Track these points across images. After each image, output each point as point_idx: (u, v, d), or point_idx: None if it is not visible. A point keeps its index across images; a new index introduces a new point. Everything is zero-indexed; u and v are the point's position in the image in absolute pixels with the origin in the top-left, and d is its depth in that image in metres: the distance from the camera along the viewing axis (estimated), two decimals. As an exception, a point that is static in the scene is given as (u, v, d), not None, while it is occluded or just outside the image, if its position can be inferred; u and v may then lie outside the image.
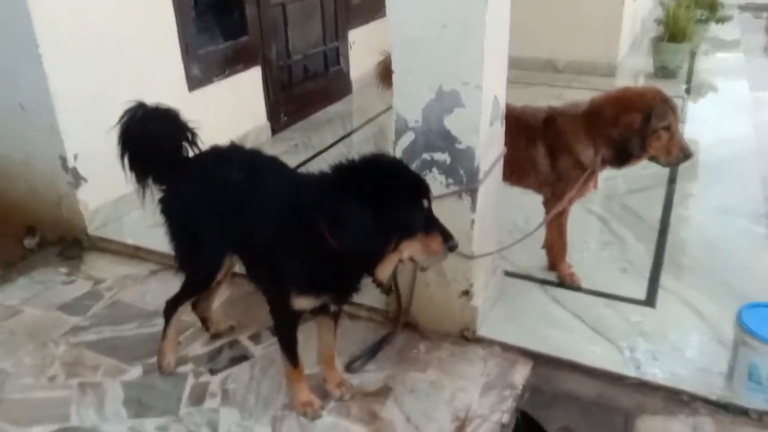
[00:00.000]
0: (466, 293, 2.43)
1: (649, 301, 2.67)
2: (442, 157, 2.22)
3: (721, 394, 2.16)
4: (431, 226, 1.71)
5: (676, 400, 2.19)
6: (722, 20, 6.55)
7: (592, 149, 2.52)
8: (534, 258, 2.93)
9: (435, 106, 2.15)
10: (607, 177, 3.63)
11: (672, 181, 3.76)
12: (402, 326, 2.54)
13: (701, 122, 4.74)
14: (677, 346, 2.39)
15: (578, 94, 5.37)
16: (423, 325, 2.55)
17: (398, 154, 2.28)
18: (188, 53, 3.72)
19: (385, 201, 1.62)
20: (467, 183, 2.23)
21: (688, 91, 5.47)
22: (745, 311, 2.11)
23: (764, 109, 5.14)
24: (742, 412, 2.12)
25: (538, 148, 2.62)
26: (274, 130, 4.64)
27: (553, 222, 2.72)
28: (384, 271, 1.77)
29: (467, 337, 2.49)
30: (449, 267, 2.41)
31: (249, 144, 4.30)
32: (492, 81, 2.16)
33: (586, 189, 2.64)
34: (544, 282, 2.81)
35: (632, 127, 2.40)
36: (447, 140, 2.19)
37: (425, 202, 1.71)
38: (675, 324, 2.51)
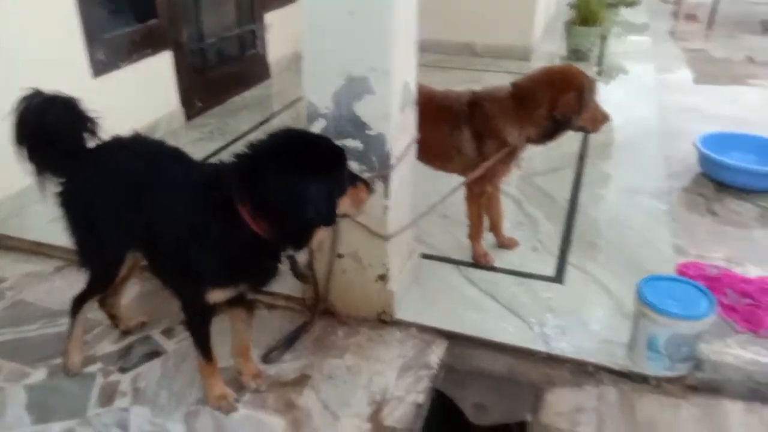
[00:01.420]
0: (383, 277, 2.45)
1: (558, 278, 2.77)
2: (354, 143, 2.22)
3: (623, 363, 2.28)
4: (353, 178, 1.82)
5: (582, 371, 2.30)
6: (631, 4, 6.81)
7: (518, 131, 2.58)
8: (451, 240, 2.99)
9: (345, 93, 2.14)
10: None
11: (581, 159, 3.91)
12: (320, 314, 2.54)
13: (611, 104, 4.84)
14: (584, 320, 2.50)
15: (496, 78, 5.50)
16: (341, 311, 2.56)
17: (309, 140, 2.26)
18: (91, 37, 3.54)
19: (324, 168, 1.66)
20: (379, 169, 2.24)
21: (599, 73, 5.68)
22: (644, 284, 2.22)
23: (668, 90, 5.40)
24: (642, 380, 2.25)
25: (464, 132, 2.66)
26: (189, 116, 4.50)
27: (473, 202, 2.78)
28: (317, 241, 1.78)
29: (385, 320, 2.52)
30: (365, 252, 2.43)
31: (161, 131, 4.18)
32: (401, 67, 2.16)
33: (507, 169, 2.71)
34: (460, 263, 2.87)
35: (572, 105, 2.49)
36: (358, 127, 2.19)
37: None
38: (582, 299, 2.62)
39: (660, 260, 2.88)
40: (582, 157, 3.94)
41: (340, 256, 2.46)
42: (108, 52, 3.67)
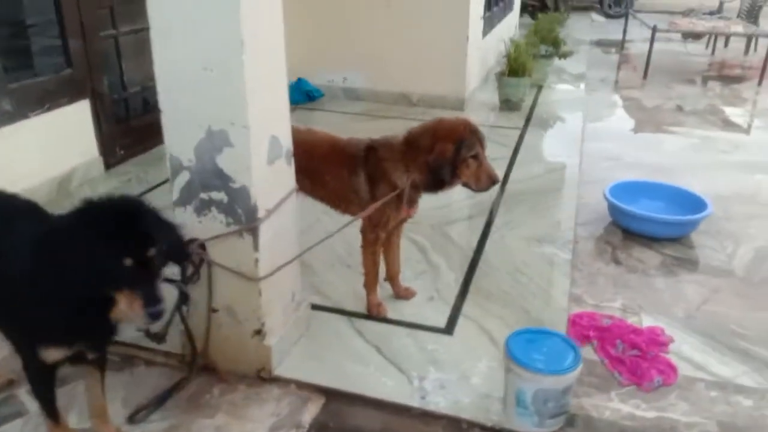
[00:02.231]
0: (259, 332, 2.40)
1: (448, 328, 2.75)
2: (219, 196, 2.20)
3: (497, 420, 2.24)
4: (137, 284, 1.60)
5: (456, 427, 2.25)
6: (564, 55, 7.03)
7: (404, 174, 2.60)
8: (350, 290, 2.96)
9: (206, 146, 2.13)
10: (435, 207, 3.76)
11: (494, 207, 3.94)
12: (199, 370, 2.46)
13: (534, 153, 5.02)
14: (465, 374, 2.46)
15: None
16: (221, 367, 2.49)
17: (176, 193, 2.25)
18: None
19: (101, 247, 1.56)
20: (246, 222, 2.22)
21: (527, 122, 5.79)
22: (512, 339, 2.21)
23: (593, 138, 5.53)
24: (514, 436, 2.21)
25: (360, 176, 2.68)
26: (109, 165, 4.45)
27: (367, 249, 2.77)
28: (118, 315, 1.68)
29: (263, 377, 2.46)
30: (239, 306, 2.38)
31: (77, 179, 4.13)
32: (264, 121, 2.17)
33: (398, 215, 2.70)
34: (353, 314, 2.83)
35: (445, 155, 2.51)
36: (221, 179, 2.17)
37: (130, 260, 1.59)
38: (468, 351, 2.60)
39: (554, 311, 2.88)
40: (495, 206, 3.97)
41: (214, 310, 2.41)
42: (15, 102, 3.63)
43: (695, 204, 3.77)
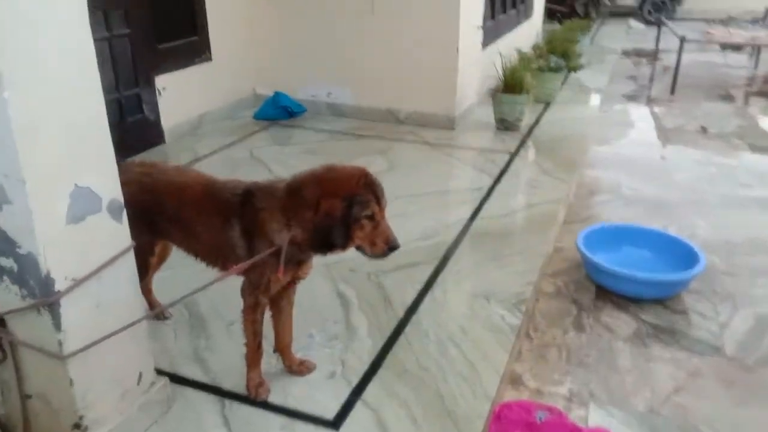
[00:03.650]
0: (78, 426, 1.93)
1: (337, 421, 2.22)
2: (8, 263, 1.75)
3: None
4: None
5: None
6: (575, 68, 6.39)
7: (284, 229, 2.11)
8: (238, 359, 2.45)
9: (-18, 202, 1.68)
10: None
11: (448, 252, 3.39)
12: (19, 462, 2.02)
13: (517, 182, 4.44)
14: (334, 490, 1.94)
15: (408, 148, 5.07)
16: (46, 461, 2.04)
17: (-39, 257, 1.80)
18: None
19: None
20: (41, 296, 1.76)
21: (521, 145, 5.19)
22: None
23: (593, 166, 4.91)
24: None
25: (234, 228, 2.20)
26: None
27: (247, 316, 2.27)
28: None
29: (90, 478, 1.99)
30: (53, 395, 1.93)
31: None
32: (58, 170, 1.71)
33: (280, 278, 2.20)
34: (228, 395, 2.34)
35: (333, 215, 2.01)
36: (7, 243, 1.72)
37: None
38: (350, 455, 2.07)
39: (478, 398, 2.33)
40: (450, 250, 3.42)
41: (28, 396, 1.96)
42: None
43: (687, 257, 3.14)
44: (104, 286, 1.91)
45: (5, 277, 1.78)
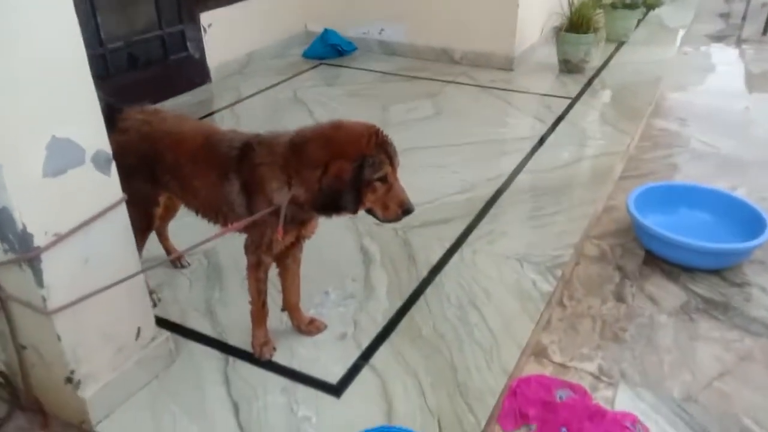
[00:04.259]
0: (70, 380, 1.91)
1: (340, 386, 2.12)
2: (-15, 216, 1.69)
3: None
4: None
5: None
6: (652, 6, 5.78)
7: (284, 188, 1.97)
8: (244, 317, 2.37)
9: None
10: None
11: (486, 207, 3.17)
12: (23, 409, 2.04)
13: (573, 132, 4.09)
14: (325, 463, 1.85)
15: (460, 91, 4.77)
16: (47, 410, 2.05)
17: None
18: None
19: None
20: (20, 250, 1.69)
21: (583, 90, 4.78)
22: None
23: (663, 115, 4.47)
24: None
25: (232, 184, 2.07)
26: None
27: (250, 275, 2.17)
28: None
29: (86, 430, 1.99)
30: (44, 347, 1.90)
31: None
32: (30, 120, 1.60)
33: (281, 236, 2.07)
34: (234, 351, 2.27)
35: (343, 178, 1.86)
36: (-17, 196, 1.65)
37: None
38: (350, 424, 1.96)
39: (497, 370, 2.16)
40: (487, 207, 3.18)
41: (23, 347, 1.94)
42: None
43: (753, 223, 2.79)
44: (92, 241, 1.83)
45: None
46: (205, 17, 4.86)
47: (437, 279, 2.65)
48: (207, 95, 4.79)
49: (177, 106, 4.55)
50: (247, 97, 4.71)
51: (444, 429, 1.95)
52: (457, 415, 1.99)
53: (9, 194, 1.60)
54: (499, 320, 2.40)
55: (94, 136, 1.80)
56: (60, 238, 1.73)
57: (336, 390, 2.10)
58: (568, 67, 5.10)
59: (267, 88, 4.89)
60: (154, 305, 2.49)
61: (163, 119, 2.24)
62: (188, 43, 4.76)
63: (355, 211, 1.95)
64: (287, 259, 2.24)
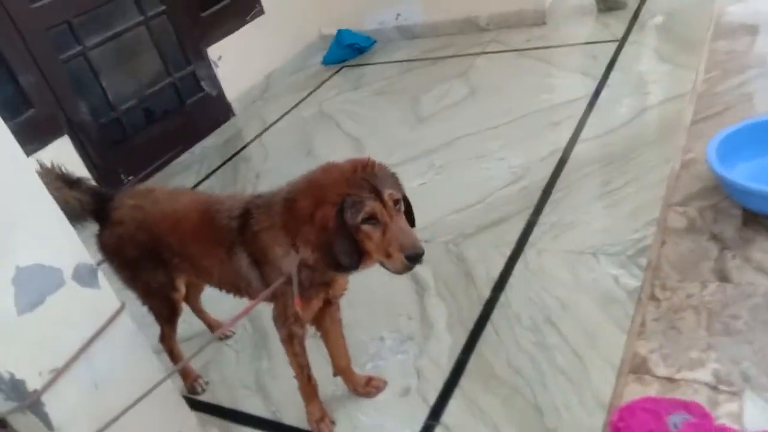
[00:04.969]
0: None
1: (410, 461, 1.84)
2: (-27, 367, 1.50)
3: None
4: None
5: None
6: None
7: (290, 253, 1.71)
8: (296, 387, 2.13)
9: None
10: (459, 207, 2.78)
11: (544, 195, 2.79)
12: None
13: (627, 81, 3.61)
14: None
15: (487, 63, 4.36)
16: None
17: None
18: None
19: None
20: (16, 398, 1.50)
21: (629, 29, 4.24)
22: None
23: (726, 33, 3.88)
24: None
25: (241, 259, 1.84)
26: (116, 197, 3.99)
27: (287, 349, 1.93)
28: None
29: None
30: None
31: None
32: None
33: (309, 303, 1.81)
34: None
35: (327, 226, 1.58)
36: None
37: None
38: None
39: (590, 405, 1.82)
40: (544, 195, 2.80)
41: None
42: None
43: None
44: (98, 364, 1.63)
45: (-18, 380, 1.55)
46: (213, 50, 4.66)
47: (502, 297, 2.31)
48: (233, 131, 4.60)
49: (205, 151, 4.38)
50: (273, 124, 4.48)
51: (540, 493, 1.64)
52: (554, 473, 1.67)
53: (-14, 342, 1.41)
54: (583, 336, 2.04)
55: (69, 250, 1.58)
56: (58, 374, 1.54)
57: (406, 466, 1.82)
58: (607, 4, 4.56)
59: (291, 109, 4.64)
60: (202, 390, 2.30)
61: (155, 200, 2.02)
62: (202, 83, 4.57)
63: (355, 266, 1.64)
64: (324, 322, 1.98)
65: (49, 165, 2.05)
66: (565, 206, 2.69)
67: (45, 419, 1.53)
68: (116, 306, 1.68)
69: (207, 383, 2.33)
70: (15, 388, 1.47)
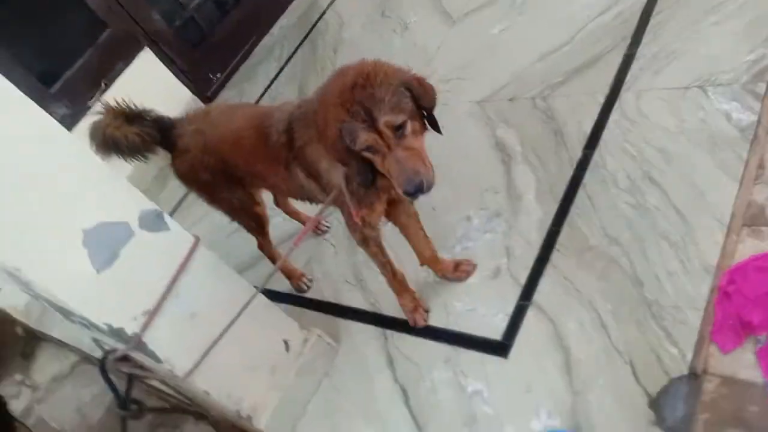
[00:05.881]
0: (241, 417, 1.92)
1: (505, 342, 1.82)
2: (86, 330, 1.68)
3: None
4: None
5: None
6: None
7: (340, 166, 1.66)
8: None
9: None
10: (543, 53, 2.52)
11: (641, 24, 2.41)
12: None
13: None
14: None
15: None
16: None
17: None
18: (41, 98, 3.31)
19: None
20: (123, 343, 1.66)
21: None
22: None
23: None
24: None
25: (297, 174, 1.85)
26: (210, 98, 4.07)
27: (367, 252, 1.94)
28: None
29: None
30: (201, 399, 1.91)
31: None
32: (50, 230, 1.47)
33: (376, 209, 1.78)
34: (390, 323, 2.09)
35: (335, 146, 1.50)
36: (62, 312, 1.62)
37: None
38: (521, 392, 1.68)
39: (695, 270, 1.66)
40: (642, 21, 2.41)
41: (189, 399, 2.00)
42: (68, 102, 3.43)
43: None
44: (188, 296, 1.73)
45: (95, 338, 1.72)
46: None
47: (596, 156, 2.10)
48: (306, 4, 4.37)
49: (283, 31, 4.26)
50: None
51: (639, 373, 1.56)
52: (653, 349, 1.58)
53: (72, 306, 1.53)
54: (688, 192, 1.82)
55: (129, 201, 1.63)
56: (151, 316, 1.65)
57: (502, 348, 1.81)
58: None
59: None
60: (308, 288, 2.40)
61: (213, 123, 2.01)
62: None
63: (369, 184, 1.58)
64: (400, 218, 1.93)
65: (114, 103, 2.08)
66: (668, 31, 2.31)
67: (153, 356, 1.68)
68: (191, 242, 1.74)
69: (311, 281, 2.42)
70: (116, 335, 1.61)
